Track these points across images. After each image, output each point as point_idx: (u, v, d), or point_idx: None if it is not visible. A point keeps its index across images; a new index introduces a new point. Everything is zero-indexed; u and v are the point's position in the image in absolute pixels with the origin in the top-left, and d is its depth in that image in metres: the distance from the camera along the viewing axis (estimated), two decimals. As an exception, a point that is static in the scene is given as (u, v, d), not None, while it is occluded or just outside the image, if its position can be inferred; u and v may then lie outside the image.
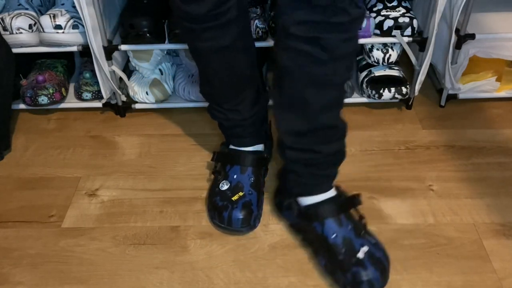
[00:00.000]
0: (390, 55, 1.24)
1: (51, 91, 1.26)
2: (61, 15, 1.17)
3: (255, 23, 1.17)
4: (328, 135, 0.89)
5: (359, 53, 1.31)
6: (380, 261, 0.88)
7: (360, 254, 0.88)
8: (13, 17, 1.17)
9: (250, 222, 0.98)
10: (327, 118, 0.87)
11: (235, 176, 1.02)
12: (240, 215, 0.97)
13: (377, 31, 1.20)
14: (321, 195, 0.93)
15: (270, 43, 1.20)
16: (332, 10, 0.74)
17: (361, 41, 1.19)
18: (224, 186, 1.02)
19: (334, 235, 0.90)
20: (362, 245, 0.89)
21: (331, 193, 0.94)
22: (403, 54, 1.25)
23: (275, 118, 0.92)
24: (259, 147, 1.07)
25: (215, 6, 0.83)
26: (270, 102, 1.04)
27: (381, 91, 1.24)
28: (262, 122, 1.07)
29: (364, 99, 1.30)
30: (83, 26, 1.13)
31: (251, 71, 1.00)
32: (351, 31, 0.79)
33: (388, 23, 1.18)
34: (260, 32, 1.17)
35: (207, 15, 0.84)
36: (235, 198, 1.00)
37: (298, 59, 0.81)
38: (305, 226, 0.94)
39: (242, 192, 1.00)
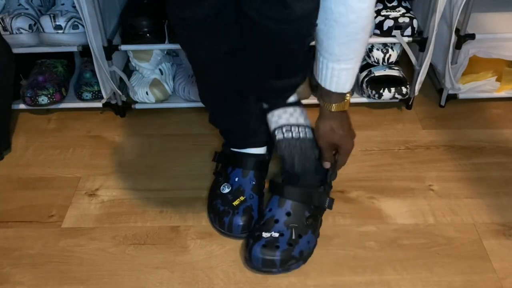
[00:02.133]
0: (390, 55, 1.24)
1: (51, 91, 1.26)
2: (61, 15, 1.17)
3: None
4: (283, 80, 0.94)
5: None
6: (274, 250, 0.89)
7: (265, 234, 0.91)
8: (13, 17, 1.17)
9: (250, 228, 0.98)
10: (282, 80, 0.93)
11: (236, 179, 1.02)
12: (240, 221, 0.97)
13: (377, 31, 1.20)
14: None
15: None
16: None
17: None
18: (226, 189, 1.02)
19: (268, 210, 0.95)
20: (278, 232, 0.91)
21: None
22: (403, 54, 1.25)
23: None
24: (262, 149, 1.07)
25: (214, 11, 0.82)
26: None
27: (381, 91, 1.24)
28: (263, 118, 1.07)
29: (364, 99, 1.30)
30: (83, 26, 1.13)
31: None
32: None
33: (388, 23, 1.18)
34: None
35: (205, 21, 0.83)
36: (236, 203, 0.99)
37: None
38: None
39: (244, 196, 1.00)
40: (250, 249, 0.91)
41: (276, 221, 0.93)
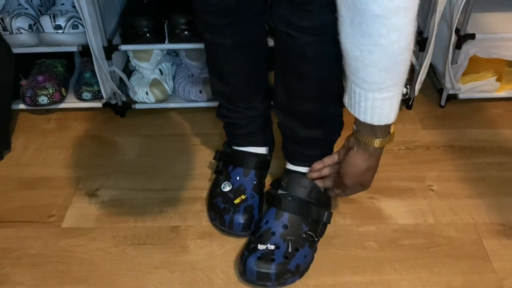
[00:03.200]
0: (390, 55, 1.24)
1: (51, 91, 1.26)
2: (61, 15, 1.17)
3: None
4: (307, 121, 0.92)
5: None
6: (269, 263, 0.87)
7: (261, 246, 0.89)
8: (13, 17, 1.17)
9: (251, 227, 0.98)
10: (308, 106, 0.90)
11: (237, 178, 1.02)
12: (241, 219, 0.97)
13: (377, 31, 1.20)
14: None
15: (270, 43, 1.20)
16: (301, 9, 0.76)
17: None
18: (226, 187, 1.01)
19: (265, 223, 0.93)
20: (274, 245, 0.89)
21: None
22: (403, 54, 1.25)
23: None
24: (264, 149, 1.07)
25: None
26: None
27: (381, 91, 1.24)
28: (268, 117, 1.07)
29: (364, 99, 1.29)
30: (83, 26, 1.13)
31: (264, 67, 1.01)
32: (319, 34, 0.79)
33: (388, 23, 1.18)
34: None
35: (234, 8, 0.84)
36: (237, 201, 0.99)
37: (283, 46, 0.85)
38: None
39: (245, 195, 1.00)
40: (244, 261, 0.88)
41: (273, 233, 0.91)
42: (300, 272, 0.90)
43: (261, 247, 0.89)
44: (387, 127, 0.77)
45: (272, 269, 0.87)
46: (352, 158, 0.84)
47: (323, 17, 0.75)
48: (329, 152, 0.98)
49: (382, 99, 0.71)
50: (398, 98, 0.72)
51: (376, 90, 0.70)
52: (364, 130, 0.78)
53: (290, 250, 0.89)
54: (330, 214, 0.94)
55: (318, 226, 0.94)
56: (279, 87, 0.93)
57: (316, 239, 0.92)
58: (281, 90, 0.92)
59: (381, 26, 0.63)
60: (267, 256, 0.88)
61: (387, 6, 0.61)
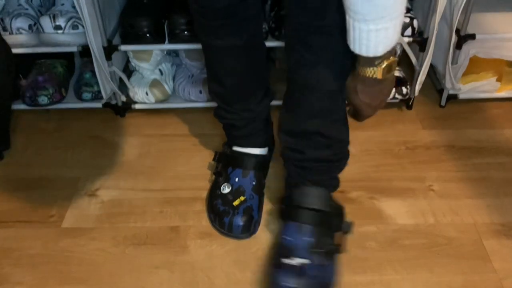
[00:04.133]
0: (390, 55, 1.24)
1: (51, 91, 1.26)
2: (61, 15, 1.17)
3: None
4: (315, 141, 0.89)
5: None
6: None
7: (287, 261, 0.86)
8: (13, 17, 1.17)
9: (250, 229, 0.98)
10: (315, 124, 0.88)
11: (236, 180, 1.02)
12: (240, 221, 0.97)
13: (377, 31, 1.20)
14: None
15: (270, 43, 1.20)
16: (318, 14, 0.76)
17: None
18: (226, 189, 1.01)
19: (289, 238, 0.89)
20: (300, 258, 0.86)
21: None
22: (403, 54, 1.25)
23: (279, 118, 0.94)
24: (264, 150, 1.07)
25: (235, 1, 0.83)
26: (273, 102, 1.04)
27: (381, 91, 1.23)
28: (267, 118, 1.07)
29: (364, 99, 1.29)
30: (83, 26, 1.13)
31: (262, 69, 1.01)
32: (332, 35, 0.78)
33: (388, 23, 1.18)
34: (260, 32, 1.17)
35: (226, 10, 0.84)
36: (236, 203, 0.99)
37: (293, 60, 0.83)
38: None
39: (244, 196, 1.00)
40: (273, 279, 0.86)
41: (296, 247, 0.88)
42: (328, 285, 0.88)
43: (287, 261, 0.86)
44: (373, 59, 0.74)
45: (301, 285, 0.85)
46: (349, 83, 0.83)
47: (333, 16, 0.75)
48: (336, 182, 0.97)
49: (368, 31, 0.69)
50: (388, 32, 0.69)
51: (361, 20, 0.69)
52: (357, 58, 0.77)
53: (316, 263, 0.87)
54: (351, 224, 0.93)
55: (340, 236, 0.92)
56: (286, 109, 0.92)
57: (340, 250, 0.90)
58: (289, 111, 0.91)
59: None
60: (296, 271, 0.85)
61: None
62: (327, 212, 0.91)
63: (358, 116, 0.87)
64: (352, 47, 0.73)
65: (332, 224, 0.91)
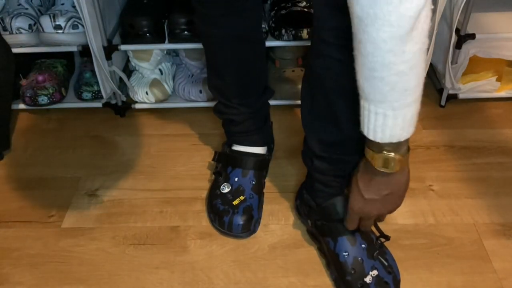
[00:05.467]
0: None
1: (51, 91, 1.26)
2: (61, 15, 1.17)
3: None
4: (357, 147, 0.79)
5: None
6: (387, 287, 0.86)
7: (368, 279, 0.85)
8: (13, 17, 1.17)
9: (250, 228, 0.98)
10: (356, 131, 0.75)
11: (236, 179, 1.02)
12: (240, 220, 0.97)
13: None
14: None
15: (270, 42, 1.20)
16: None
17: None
18: (225, 188, 1.02)
19: (345, 254, 0.88)
20: (373, 268, 0.86)
21: None
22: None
23: (303, 126, 0.89)
24: (263, 149, 1.07)
25: None
26: (273, 102, 1.04)
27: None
28: (267, 116, 1.07)
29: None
30: (83, 26, 1.13)
31: (260, 64, 1.01)
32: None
33: (388, 23, 1.18)
34: (260, 32, 1.17)
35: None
36: (236, 202, 0.99)
37: (330, 67, 0.76)
38: (319, 237, 0.94)
39: (243, 196, 1.00)
40: None
41: (362, 260, 0.87)
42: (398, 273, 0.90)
43: (368, 279, 0.86)
44: (378, 145, 0.70)
45: None
46: (353, 184, 0.79)
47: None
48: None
49: (375, 113, 0.66)
50: (388, 121, 0.65)
51: (364, 99, 0.66)
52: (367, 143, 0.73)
53: (386, 263, 0.88)
54: None
55: (378, 227, 0.90)
56: (314, 117, 0.86)
57: (387, 236, 0.89)
58: (321, 119, 0.84)
59: (361, 33, 0.60)
60: (380, 282, 0.86)
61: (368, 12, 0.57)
62: None
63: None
64: (361, 127, 0.69)
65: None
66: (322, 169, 0.89)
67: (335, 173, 0.89)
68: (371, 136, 0.68)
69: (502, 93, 1.30)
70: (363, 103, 0.67)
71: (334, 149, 0.85)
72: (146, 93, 1.28)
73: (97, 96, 1.29)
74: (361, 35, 0.59)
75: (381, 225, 0.94)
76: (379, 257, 0.88)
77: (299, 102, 0.92)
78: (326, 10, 0.71)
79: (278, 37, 1.19)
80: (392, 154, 0.70)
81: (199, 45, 1.19)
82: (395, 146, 0.69)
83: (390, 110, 0.65)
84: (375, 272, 0.86)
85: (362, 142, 0.75)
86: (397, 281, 0.88)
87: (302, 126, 0.89)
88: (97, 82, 1.25)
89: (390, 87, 0.63)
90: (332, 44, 0.73)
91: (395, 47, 0.59)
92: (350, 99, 0.72)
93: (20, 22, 1.17)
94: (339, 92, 0.77)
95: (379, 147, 0.70)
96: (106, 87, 1.24)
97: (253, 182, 1.02)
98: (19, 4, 1.21)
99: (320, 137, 0.86)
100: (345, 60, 0.68)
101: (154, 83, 1.29)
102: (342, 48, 0.69)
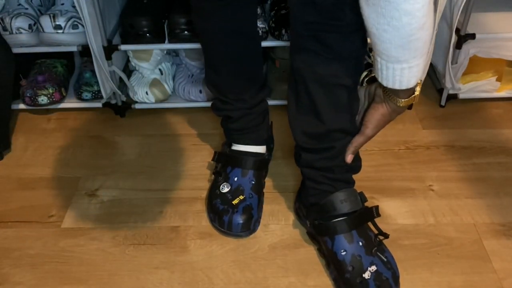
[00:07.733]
0: (390, 55, 1.24)
1: (51, 91, 1.26)
2: (61, 15, 1.17)
3: (255, 23, 1.17)
4: (339, 136, 0.88)
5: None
6: (386, 282, 0.86)
7: (367, 274, 0.86)
8: (13, 17, 1.17)
9: (250, 227, 0.98)
10: (336, 122, 0.87)
11: (235, 179, 1.02)
12: (240, 220, 0.97)
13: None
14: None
15: (270, 42, 1.20)
16: (331, 12, 0.76)
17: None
18: (225, 188, 1.02)
19: (343, 252, 0.88)
20: (371, 264, 0.87)
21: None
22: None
23: (289, 122, 0.92)
24: (262, 148, 1.07)
25: None
26: (273, 102, 1.04)
27: (381, 91, 1.24)
28: (265, 115, 1.07)
29: (364, 99, 1.29)
30: (83, 26, 1.13)
31: (256, 60, 1.01)
32: (349, 34, 0.79)
33: (388, 23, 1.18)
34: (260, 31, 1.17)
35: None
36: (235, 202, 0.99)
37: (306, 59, 0.83)
38: (318, 238, 0.94)
39: (243, 195, 1.00)
40: None
41: (360, 257, 0.88)
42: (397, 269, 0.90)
43: (366, 275, 0.86)
44: (409, 90, 0.79)
45: (391, 285, 0.87)
46: (379, 109, 0.86)
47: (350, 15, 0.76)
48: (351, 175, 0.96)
49: (401, 69, 0.74)
50: (419, 66, 0.74)
51: (395, 62, 0.73)
52: (389, 91, 0.81)
53: (384, 259, 0.89)
54: (376, 208, 0.92)
55: (376, 225, 0.92)
56: (299, 111, 0.90)
57: (386, 234, 0.91)
58: (303, 113, 0.89)
59: (392, 9, 0.66)
60: (379, 278, 0.86)
61: None
62: (362, 208, 0.92)
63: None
64: (385, 84, 0.78)
65: (367, 217, 0.92)
66: (309, 162, 0.93)
67: (322, 164, 0.91)
68: (411, 84, 0.77)
69: (502, 93, 1.30)
70: (395, 66, 0.74)
71: (318, 140, 0.90)
72: (146, 93, 1.28)
73: (97, 96, 1.30)
74: (393, 12, 0.66)
75: (380, 225, 0.94)
76: (378, 253, 0.89)
77: (299, 102, 0.93)
78: (299, 6, 0.79)
79: (278, 37, 1.19)
80: (418, 90, 0.81)
81: (199, 45, 1.19)
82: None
83: (421, 58, 0.74)
84: (373, 268, 0.87)
85: (343, 132, 0.87)
86: (396, 277, 0.88)
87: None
88: (97, 82, 1.25)
89: (422, 42, 0.71)
90: (307, 36, 0.80)
91: (426, 10, 0.67)
92: (328, 90, 0.84)
93: (20, 22, 1.17)
94: (317, 82, 0.84)
95: (409, 90, 0.80)
96: (106, 87, 1.24)
97: (253, 182, 1.02)
98: (19, 4, 1.21)
99: (304, 130, 0.90)
100: (318, 51, 0.80)
101: (154, 83, 1.29)
102: (314, 38, 0.80)
